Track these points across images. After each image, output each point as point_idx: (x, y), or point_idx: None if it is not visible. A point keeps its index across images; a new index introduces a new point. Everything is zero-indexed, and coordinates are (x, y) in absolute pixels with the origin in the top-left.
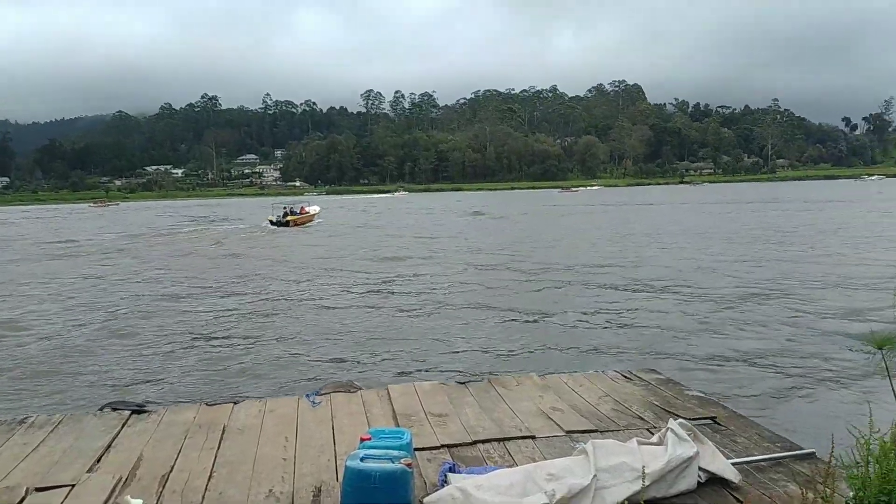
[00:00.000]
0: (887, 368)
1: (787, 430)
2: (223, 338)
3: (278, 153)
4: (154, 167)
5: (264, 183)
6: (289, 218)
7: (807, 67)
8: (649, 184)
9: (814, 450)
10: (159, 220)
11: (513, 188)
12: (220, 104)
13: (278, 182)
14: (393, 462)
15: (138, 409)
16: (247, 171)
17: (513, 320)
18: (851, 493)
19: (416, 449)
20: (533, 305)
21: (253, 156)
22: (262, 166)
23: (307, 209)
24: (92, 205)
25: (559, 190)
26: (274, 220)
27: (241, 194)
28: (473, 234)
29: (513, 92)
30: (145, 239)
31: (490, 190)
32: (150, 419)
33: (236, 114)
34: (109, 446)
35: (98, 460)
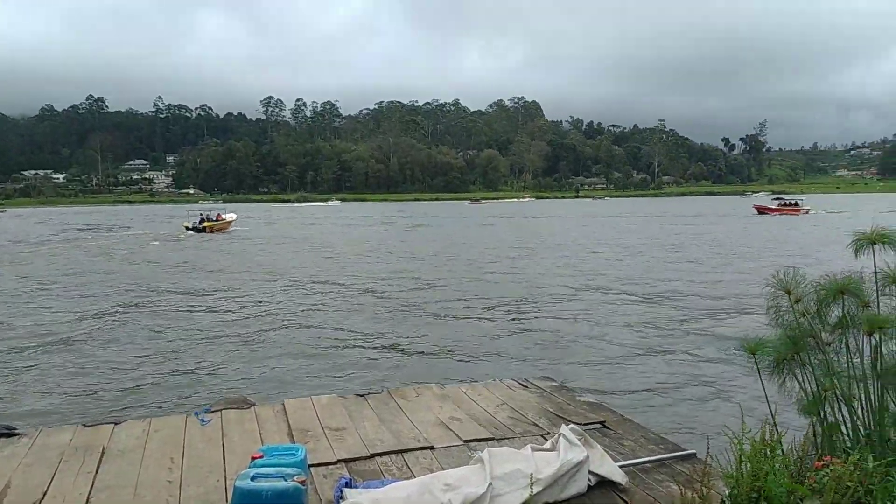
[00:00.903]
0: (759, 372)
1: (672, 432)
2: (106, 351)
3: (170, 159)
4: (33, 172)
5: (155, 190)
6: (205, 224)
7: (690, 91)
8: (548, 197)
9: (694, 451)
10: (39, 228)
11: (417, 199)
12: (106, 106)
13: (170, 189)
14: (286, 480)
15: (7, 432)
16: (136, 177)
17: (416, 331)
18: (727, 491)
19: (311, 465)
20: (437, 315)
21: (143, 161)
22: (153, 172)
23: (224, 216)
24: None
25: (468, 202)
26: (190, 226)
27: (130, 201)
28: (404, 243)
29: (416, 104)
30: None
31: (395, 201)
32: (21, 442)
33: (125, 117)
34: None
35: None
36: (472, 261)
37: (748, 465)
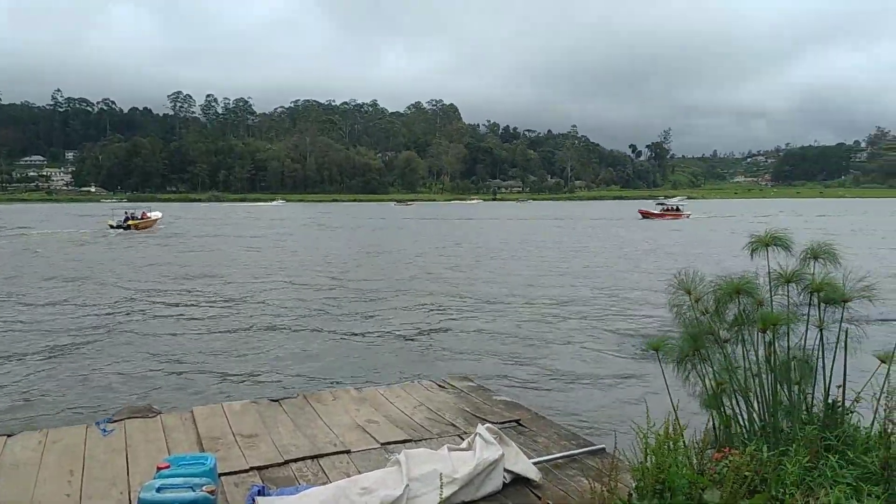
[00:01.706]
0: (662, 368)
1: (584, 428)
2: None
3: (70, 155)
4: None
5: (53, 187)
6: (130, 222)
7: (602, 99)
8: (464, 200)
9: (604, 445)
10: None
11: (335, 200)
12: (0, 98)
13: (70, 187)
14: (194, 490)
15: None
16: (32, 173)
17: (335, 334)
18: (634, 484)
19: (221, 474)
20: (360, 318)
21: (40, 157)
22: (51, 169)
23: (149, 214)
24: None
25: (394, 203)
26: (114, 224)
27: (25, 199)
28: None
29: (334, 104)
30: None
31: (315, 202)
32: None
33: (20, 110)
34: None
35: None
36: (403, 260)
37: (653, 458)
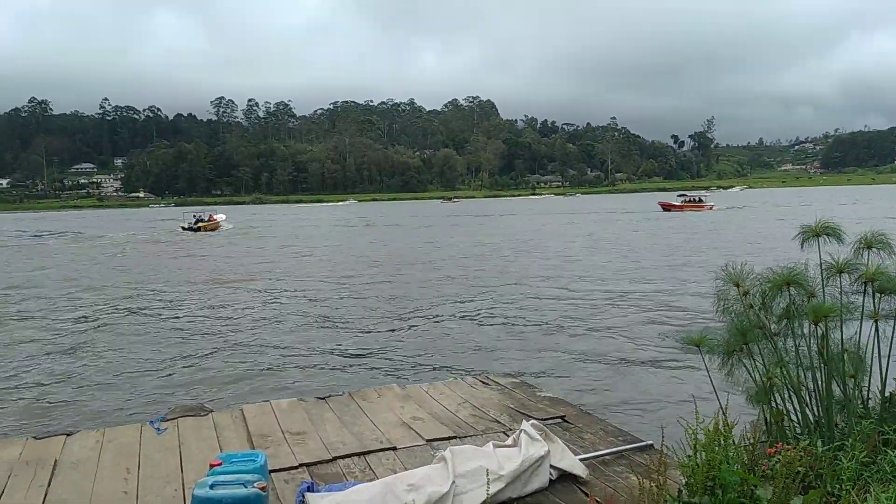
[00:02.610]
0: (706, 364)
1: (630, 424)
2: (53, 356)
3: (119, 162)
4: None
5: (103, 194)
6: (199, 224)
7: (641, 89)
8: (505, 195)
9: (651, 442)
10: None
11: (374, 199)
12: (51, 109)
13: (120, 193)
14: (245, 487)
15: None
16: (83, 181)
17: (381, 330)
18: (683, 480)
19: (272, 471)
20: (407, 315)
21: (90, 165)
22: (101, 176)
23: (214, 217)
24: None
25: (441, 200)
26: (186, 226)
27: (77, 206)
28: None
29: (371, 104)
30: None
31: (382, 201)
32: None
33: (70, 119)
34: None
35: None
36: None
37: (703, 454)
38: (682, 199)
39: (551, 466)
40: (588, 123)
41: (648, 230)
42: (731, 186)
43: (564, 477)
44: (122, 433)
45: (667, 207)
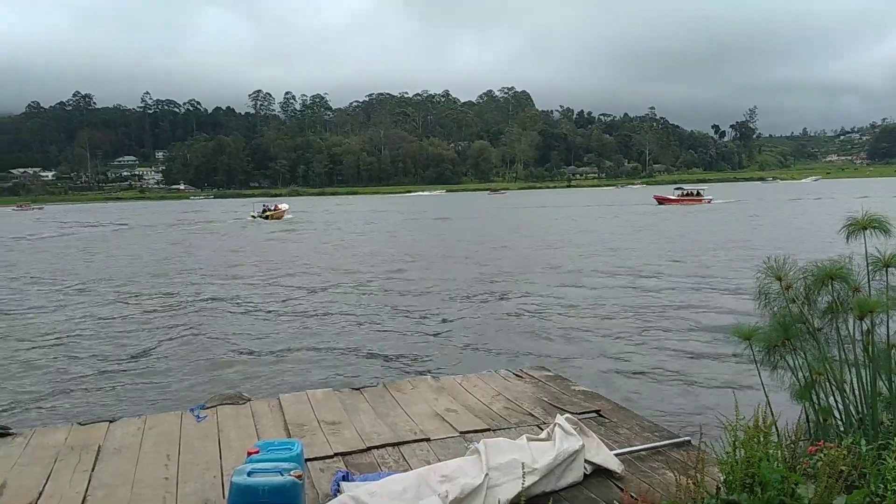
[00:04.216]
0: (755, 358)
1: (666, 419)
2: (95, 345)
3: (160, 155)
4: (21, 170)
5: (145, 186)
6: (267, 213)
7: (680, 79)
8: (540, 187)
9: (689, 437)
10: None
11: (409, 191)
12: (94, 103)
13: (161, 185)
14: (282, 474)
15: (2, 432)
16: (125, 173)
17: (417, 322)
18: (722, 477)
19: (307, 459)
20: (444, 306)
21: (132, 157)
22: (143, 168)
23: (280, 206)
24: (16, 209)
25: (488, 192)
26: (256, 214)
27: (120, 198)
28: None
29: (406, 96)
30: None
31: (387, 194)
32: (16, 442)
33: (113, 113)
34: None
35: None
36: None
37: (742, 451)
38: (679, 192)
39: (586, 461)
40: (625, 114)
41: (681, 223)
42: (806, 177)
43: (599, 472)
44: (163, 420)
45: (662, 201)
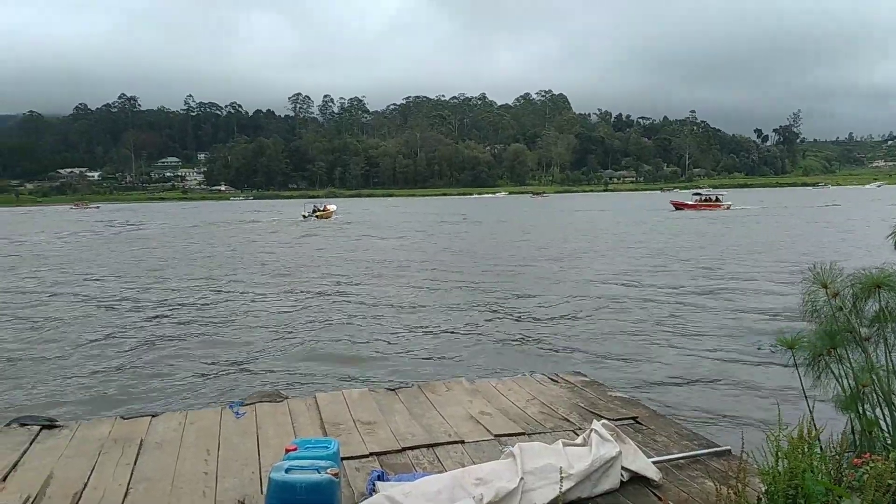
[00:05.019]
0: (797, 367)
1: (704, 428)
2: (140, 340)
3: (202, 156)
4: (69, 170)
5: (187, 187)
6: (317, 213)
7: (722, 82)
8: (576, 191)
9: (729, 447)
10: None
11: (444, 194)
12: (139, 105)
13: (202, 186)
14: (319, 472)
15: (49, 424)
16: (168, 174)
17: (452, 324)
18: (763, 488)
19: (343, 458)
20: (481, 308)
21: (175, 158)
22: (185, 169)
23: (329, 207)
24: (74, 207)
25: (531, 195)
26: (306, 214)
27: (163, 198)
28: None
29: (443, 98)
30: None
31: (422, 196)
32: (62, 434)
33: (157, 115)
34: (17, 464)
35: (4, 479)
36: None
37: (785, 461)
38: (697, 197)
39: (623, 468)
40: (665, 117)
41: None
42: (869, 182)
43: (636, 479)
44: (203, 416)
45: (679, 206)
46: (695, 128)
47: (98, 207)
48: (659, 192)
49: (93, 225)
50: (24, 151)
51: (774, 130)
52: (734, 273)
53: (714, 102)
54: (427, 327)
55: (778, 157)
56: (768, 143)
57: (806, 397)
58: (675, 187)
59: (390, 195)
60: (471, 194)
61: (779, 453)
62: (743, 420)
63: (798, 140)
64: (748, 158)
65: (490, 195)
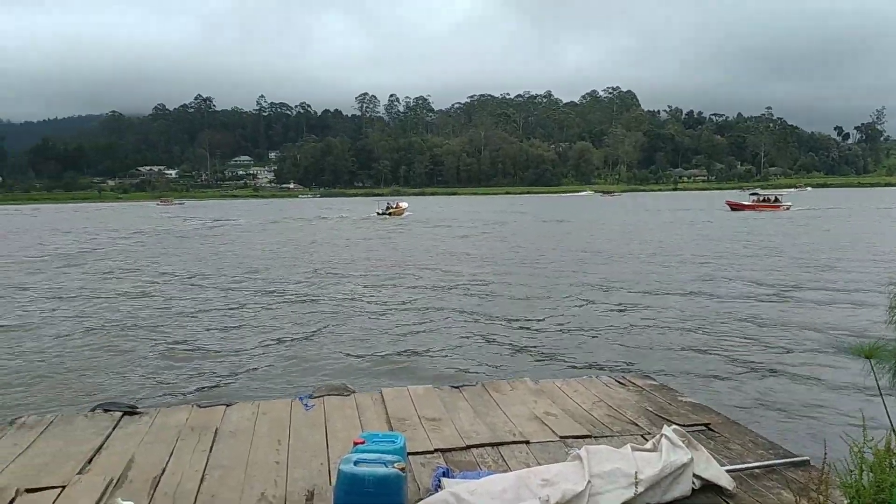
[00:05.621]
0: (876, 378)
1: (780, 437)
2: (218, 332)
3: (272, 155)
4: (148, 168)
5: (258, 185)
6: (390, 210)
7: (799, 77)
8: (643, 190)
9: (808, 457)
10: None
11: (508, 192)
12: (214, 105)
13: (272, 184)
14: (386, 466)
15: (130, 411)
16: (240, 172)
17: (517, 322)
18: (846, 501)
19: (409, 453)
20: (547, 308)
21: (247, 157)
22: (256, 168)
23: (401, 205)
24: (160, 203)
25: (601, 194)
26: (380, 211)
27: (235, 196)
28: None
29: (508, 97)
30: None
31: (485, 195)
32: (142, 421)
33: (230, 115)
34: (101, 448)
35: (89, 462)
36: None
37: (870, 474)
38: (755, 197)
39: (694, 475)
40: (739, 114)
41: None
42: None
43: (708, 488)
44: (275, 407)
45: (736, 207)
46: (771, 125)
47: (182, 203)
48: (738, 190)
49: (185, 221)
50: (106, 150)
51: (856, 128)
52: (814, 279)
53: (792, 99)
54: (492, 325)
55: (860, 155)
56: (849, 142)
57: (886, 409)
58: (757, 187)
59: (454, 193)
60: (540, 192)
61: (863, 465)
62: (824, 430)
63: (882, 138)
64: (828, 157)
65: (571, 194)
